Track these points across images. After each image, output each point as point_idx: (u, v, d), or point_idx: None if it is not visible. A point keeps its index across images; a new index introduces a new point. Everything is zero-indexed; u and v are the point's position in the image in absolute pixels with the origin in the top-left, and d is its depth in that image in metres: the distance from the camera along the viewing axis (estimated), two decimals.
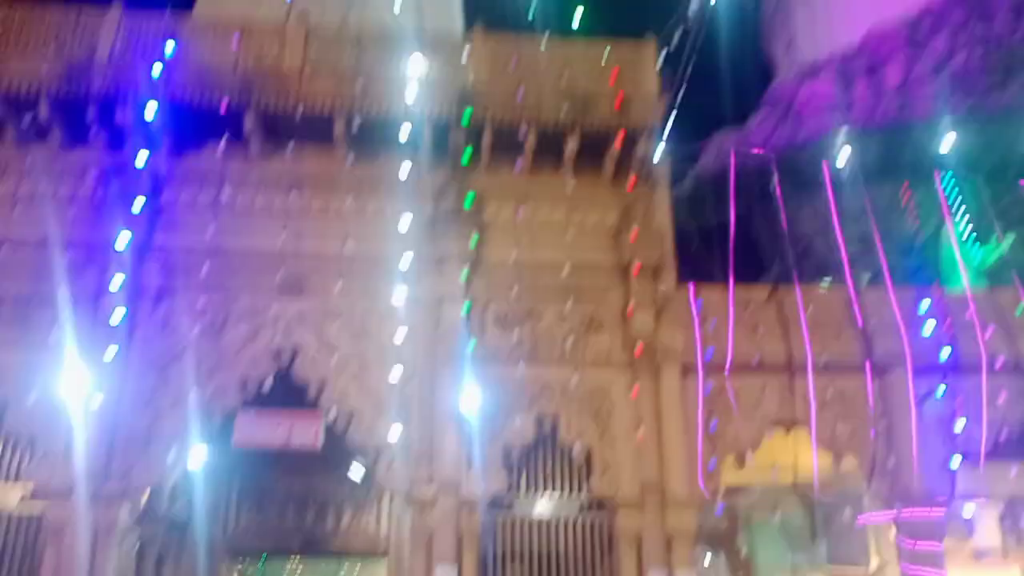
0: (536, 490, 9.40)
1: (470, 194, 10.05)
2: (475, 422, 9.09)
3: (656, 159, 10.49)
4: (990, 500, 10.26)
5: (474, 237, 9.89)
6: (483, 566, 8.90)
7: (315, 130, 9.92)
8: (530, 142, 10.10)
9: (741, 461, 9.80)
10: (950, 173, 12.79)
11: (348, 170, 10.07)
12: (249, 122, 9.78)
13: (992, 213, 12.90)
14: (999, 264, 12.55)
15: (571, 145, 10.13)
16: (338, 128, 9.87)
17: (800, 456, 9.98)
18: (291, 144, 10.03)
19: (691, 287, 10.22)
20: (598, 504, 9.37)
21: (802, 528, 10.76)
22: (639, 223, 10.23)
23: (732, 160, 12.16)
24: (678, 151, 11.67)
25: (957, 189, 12.91)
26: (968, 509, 10.13)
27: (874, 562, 10.17)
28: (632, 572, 9.01)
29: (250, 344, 9.46)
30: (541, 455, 9.51)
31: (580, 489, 9.42)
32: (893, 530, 9.78)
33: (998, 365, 9.96)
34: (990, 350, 10.04)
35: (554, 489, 9.43)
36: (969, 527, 10.20)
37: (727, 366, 9.85)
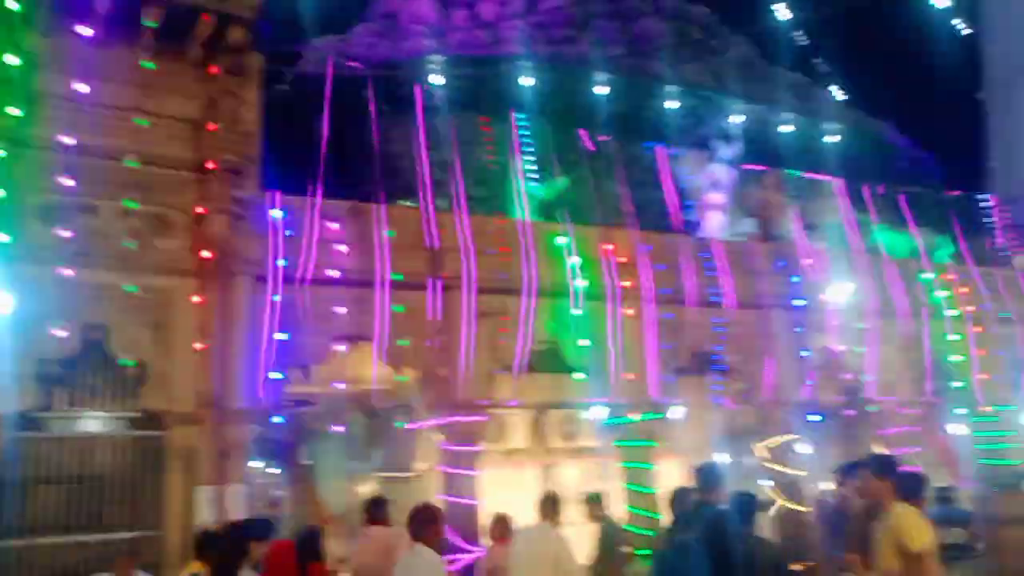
0: (78, 407, 8.52)
1: (20, 58, 8.39)
2: (3, 330, 7.84)
3: (249, 52, 9.75)
4: (524, 406, 11.91)
5: (19, 111, 8.33)
6: (10, 494, 7.83)
7: None
8: (102, 5, 8.67)
9: (308, 374, 9.95)
10: (523, 113, 14.04)
11: None
12: None
13: (553, 155, 14.51)
14: (554, 201, 14.24)
15: (151, 18, 8.89)
16: None
17: (365, 368, 10.45)
18: None
19: (272, 195, 9.90)
20: (149, 420, 8.80)
21: (360, 438, 11.42)
22: (224, 119, 9.49)
23: (330, 69, 11.85)
24: (275, 51, 11.08)
25: (528, 128, 14.24)
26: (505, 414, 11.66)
27: (421, 466, 11.17)
28: (183, 489, 8.68)
29: None
30: (86, 368, 8.60)
31: (130, 405, 8.76)
32: (439, 435, 10.80)
33: (543, 286, 11.29)
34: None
35: (100, 405, 8.62)
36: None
37: (301, 278, 9.82)
